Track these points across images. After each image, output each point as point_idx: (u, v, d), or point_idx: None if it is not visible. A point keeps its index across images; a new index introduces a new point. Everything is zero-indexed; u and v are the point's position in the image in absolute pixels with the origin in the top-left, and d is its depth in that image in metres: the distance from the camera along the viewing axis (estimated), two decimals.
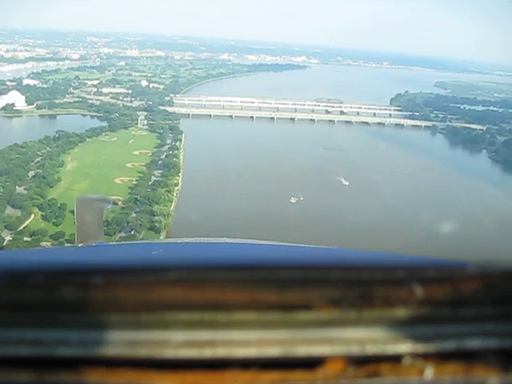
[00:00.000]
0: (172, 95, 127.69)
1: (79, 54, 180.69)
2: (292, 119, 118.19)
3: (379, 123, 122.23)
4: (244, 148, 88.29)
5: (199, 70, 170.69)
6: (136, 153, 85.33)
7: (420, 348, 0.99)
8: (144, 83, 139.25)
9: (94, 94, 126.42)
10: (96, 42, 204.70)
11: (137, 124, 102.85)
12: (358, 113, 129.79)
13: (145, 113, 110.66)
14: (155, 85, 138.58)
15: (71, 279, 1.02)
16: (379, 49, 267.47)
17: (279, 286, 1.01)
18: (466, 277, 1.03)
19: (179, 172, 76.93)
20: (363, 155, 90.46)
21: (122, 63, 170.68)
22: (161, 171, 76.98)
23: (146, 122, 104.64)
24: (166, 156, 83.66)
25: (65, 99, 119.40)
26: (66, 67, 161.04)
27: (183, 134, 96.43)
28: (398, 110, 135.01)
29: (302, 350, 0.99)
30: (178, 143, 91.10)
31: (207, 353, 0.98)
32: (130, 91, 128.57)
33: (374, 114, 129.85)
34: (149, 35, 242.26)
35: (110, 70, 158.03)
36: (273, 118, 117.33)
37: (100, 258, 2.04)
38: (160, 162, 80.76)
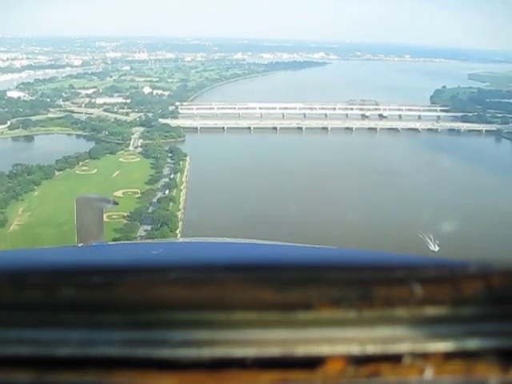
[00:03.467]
0: (178, 103, 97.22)
1: (82, 60, 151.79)
2: (324, 129, 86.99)
3: (430, 129, 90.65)
4: (269, 178, 57.62)
5: (211, 71, 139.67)
6: (119, 193, 54.82)
7: (420, 348, 0.93)
8: (147, 90, 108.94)
9: (86, 105, 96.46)
10: (104, 47, 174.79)
11: (129, 146, 72.54)
12: (400, 116, 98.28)
13: (141, 129, 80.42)
14: (159, 91, 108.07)
15: (71, 279, 0.98)
16: (398, 41, 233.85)
17: (279, 285, 0.96)
18: (465, 277, 0.98)
19: (176, 228, 46.62)
20: (433, 182, 59.43)
21: (127, 68, 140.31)
22: (149, 228, 46.77)
23: (140, 142, 74.32)
24: (158, 200, 53.28)
25: (49, 114, 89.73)
26: (65, 74, 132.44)
27: (187, 160, 66.07)
28: (446, 111, 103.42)
29: (302, 350, 0.93)
30: (178, 175, 60.68)
31: (206, 352, 0.92)
32: (128, 100, 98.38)
33: (419, 117, 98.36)
34: (160, 37, 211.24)
35: (111, 76, 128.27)
36: (301, 128, 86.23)
37: (100, 257, 2.00)
38: (150, 211, 50.49)
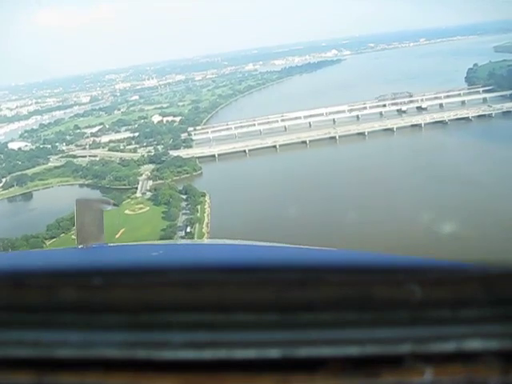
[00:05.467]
0: (191, 128, 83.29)
1: (90, 97, 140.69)
2: (361, 134, 71.05)
3: (482, 116, 73.88)
4: (315, 214, 42.11)
5: (223, 87, 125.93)
6: None
7: (420, 349, 0.90)
8: (156, 118, 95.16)
9: (90, 146, 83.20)
10: (114, 79, 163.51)
11: (136, 191, 58.12)
12: (441, 105, 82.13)
13: (151, 166, 66.24)
14: (170, 118, 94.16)
15: (71, 280, 0.96)
16: (410, 27, 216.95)
17: (279, 287, 0.94)
18: (465, 278, 0.95)
19: None
20: None
21: (136, 97, 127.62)
22: None
23: (149, 184, 60.03)
24: None
25: (49, 163, 76.56)
26: (72, 114, 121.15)
27: (206, 201, 51.23)
28: (489, 91, 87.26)
29: (302, 352, 0.90)
30: (197, 227, 45.80)
31: (207, 354, 0.89)
32: (136, 134, 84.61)
33: (463, 103, 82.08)
34: (169, 61, 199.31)
35: (119, 109, 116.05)
36: (333, 138, 70.57)
37: (100, 259, 1.94)
38: None
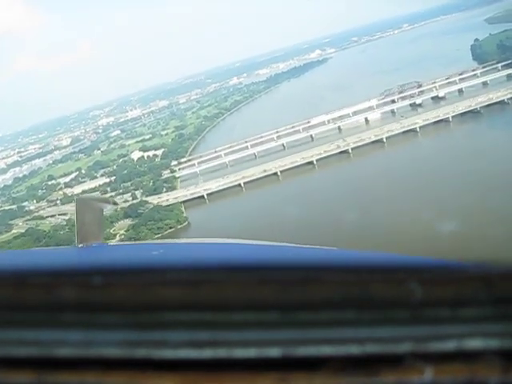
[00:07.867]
0: (174, 162, 67.62)
1: (71, 138, 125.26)
2: (378, 142, 54.64)
3: None
4: None
5: (208, 107, 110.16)
6: None
7: (420, 348, 0.87)
8: (136, 155, 79.80)
9: (62, 201, 67.48)
10: (98, 115, 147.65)
11: None
12: (460, 91, 66.20)
13: (126, 223, 50.15)
14: (151, 153, 78.76)
15: (71, 279, 0.94)
16: (388, 15, 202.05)
17: (279, 286, 0.91)
18: (466, 277, 0.92)
19: None
20: None
21: (117, 132, 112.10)
22: None
23: None
24: None
25: (12, 230, 60.78)
26: (52, 160, 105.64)
27: None
28: (509, 65, 71.72)
29: (302, 351, 0.87)
30: None
31: (207, 353, 0.87)
32: (112, 178, 68.95)
33: (485, 84, 66.23)
34: (152, 87, 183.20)
35: (99, 148, 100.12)
36: (346, 152, 54.13)
37: (100, 258, 1.94)
38: None
